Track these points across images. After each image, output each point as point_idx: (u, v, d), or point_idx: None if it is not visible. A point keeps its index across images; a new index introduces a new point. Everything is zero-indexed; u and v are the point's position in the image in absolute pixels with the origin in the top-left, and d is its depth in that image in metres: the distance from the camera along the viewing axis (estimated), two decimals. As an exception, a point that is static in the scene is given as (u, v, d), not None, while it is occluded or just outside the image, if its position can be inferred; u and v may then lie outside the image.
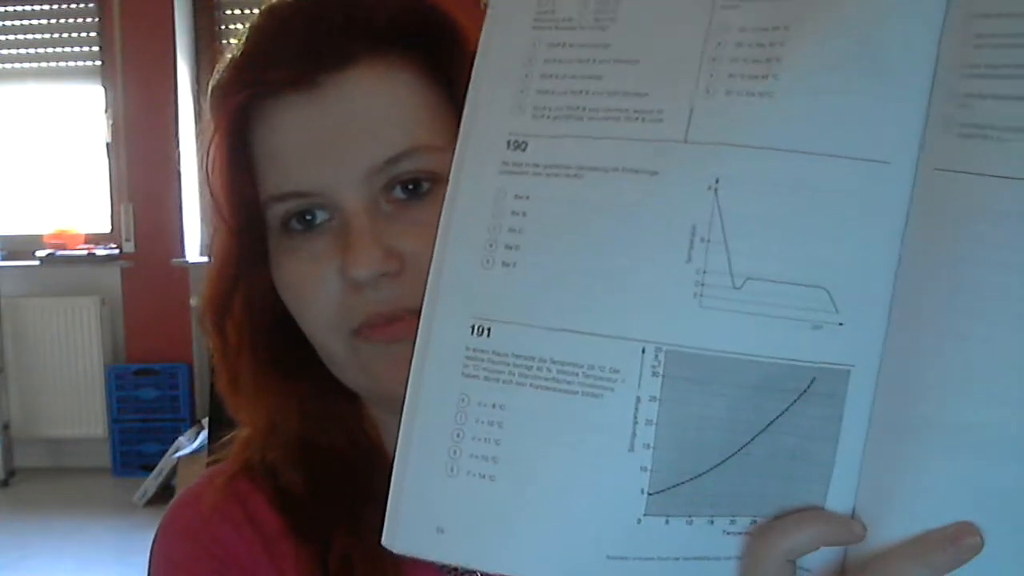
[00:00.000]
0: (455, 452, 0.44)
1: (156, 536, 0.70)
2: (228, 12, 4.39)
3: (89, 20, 4.40)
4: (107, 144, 4.37)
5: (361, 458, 0.67)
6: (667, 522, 0.42)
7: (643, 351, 0.41)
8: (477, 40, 0.62)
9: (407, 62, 0.61)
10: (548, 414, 0.43)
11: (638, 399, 0.42)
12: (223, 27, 4.39)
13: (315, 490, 0.66)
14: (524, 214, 0.44)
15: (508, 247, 0.44)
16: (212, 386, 1.10)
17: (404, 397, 0.60)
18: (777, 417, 0.42)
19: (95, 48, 4.40)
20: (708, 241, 0.41)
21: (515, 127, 0.45)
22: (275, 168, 0.60)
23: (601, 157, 0.43)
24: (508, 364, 0.43)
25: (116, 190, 4.38)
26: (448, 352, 0.45)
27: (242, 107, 0.60)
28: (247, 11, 4.36)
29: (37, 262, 4.31)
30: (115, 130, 4.34)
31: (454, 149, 0.61)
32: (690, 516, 0.42)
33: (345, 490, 0.66)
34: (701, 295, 0.41)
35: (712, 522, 0.43)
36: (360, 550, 0.65)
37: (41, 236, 4.38)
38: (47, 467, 4.43)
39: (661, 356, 0.41)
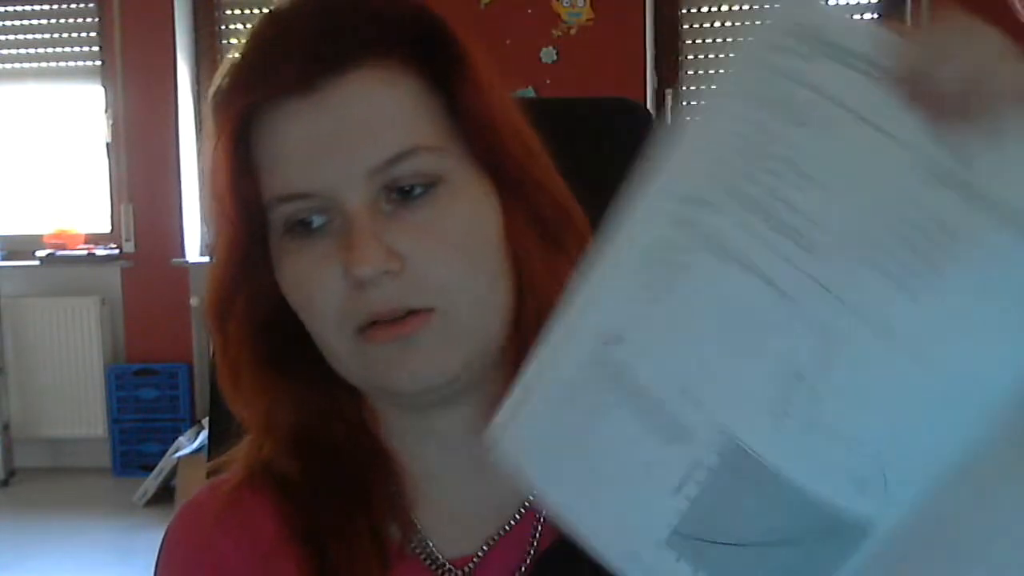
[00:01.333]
0: (573, 406, 0.48)
1: (161, 547, 0.71)
2: (228, 12, 4.39)
3: (89, 20, 4.40)
4: (107, 144, 4.37)
5: (360, 458, 0.68)
6: (677, 560, 0.47)
7: (718, 432, 0.46)
8: (472, 51, 0.64)
9: (406, 68, 0.62)
10: (630, 433, 0.47)
11: (697, 461, 0.46)
12: (223, 27, 4.40)
13: (313, 488, 0.67)
14: (678, 267, 0.47)
15: (656, 289, 0.47)
16: (212, 386, 1.10)
17: (410, 392, 0.63)
18: (794, 540, 0.46)
19: (95, 48, 4.41)
20: (803, 379, 0.45)
21: (700, 190, 0.47)
22: (278, 171, 0.61)
23: (752, 257, 0.45)
24: (618, 379, 0.47)
25: (116, 190, 4.38)
26: (578, 346, 0.48)
27: (245, 112, 0.61)
28: (247, 11, 4.37)
29: (37, 262, 4.31)
30: (115, 130, 4.34)
31: (451, 151, 0.62)
32: (696, 568, 0.47)
33: (342, 493, 0.67)
34: (781, 418, 0.45)
35: None
36: (353, 560, 0.66)
37: (41, 236, 4.38)
38: (47, 467, 4.43)
39: (729, 445, 0.46)
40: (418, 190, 0.61)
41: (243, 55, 0.63)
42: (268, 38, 0.62)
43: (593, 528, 0.48)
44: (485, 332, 0.64)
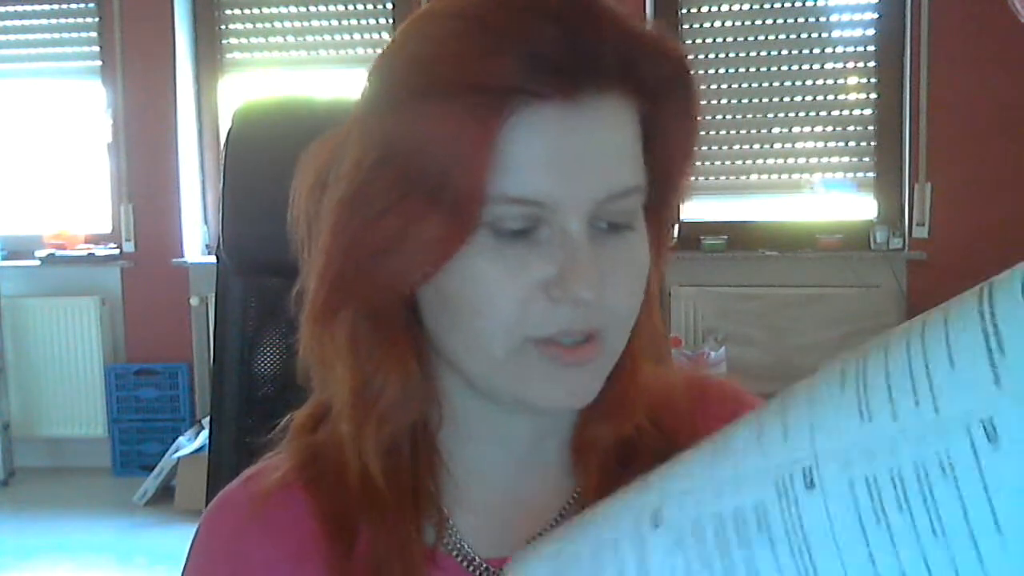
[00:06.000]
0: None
1: (196, 533, 0.71)
2: (228, 12, 4.39)
3: (89, 20, 4.40)
4: (107, 144, 4.37)
5: (413, 456, 0.67)
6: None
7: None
8: (698, 109, 0.65)
9: (642, 103, 0.62)
10: None
11: None
12: (223, 27, 4.39)
13: (363, 484, 0.67)
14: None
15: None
16: (213, 386, 1.10)
17: (556, 409, 0.65)
18: None
19: (95, 48, 4.40)
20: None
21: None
22: (521, 172, 0.59)
23: None
24: None
25: (116, 190, 4.38)
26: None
27: (513, 108, 0.58)
28: (247, 11, 4.37)
29: (37, 262, 4.31)
30: (115, 130, 4.34)
31: (643, 192, 0.63)
32: None
33: (387, 489, 0.66)
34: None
35: None
36: (385, 558, 0.66)
37: (41, 236, 4.38)
38: (47, 467, 4.44)
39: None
40: (622, 222, 0.62)
41: (502, 38, 0.58)
42: (533, 31, 0.58)
43: None
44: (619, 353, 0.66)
